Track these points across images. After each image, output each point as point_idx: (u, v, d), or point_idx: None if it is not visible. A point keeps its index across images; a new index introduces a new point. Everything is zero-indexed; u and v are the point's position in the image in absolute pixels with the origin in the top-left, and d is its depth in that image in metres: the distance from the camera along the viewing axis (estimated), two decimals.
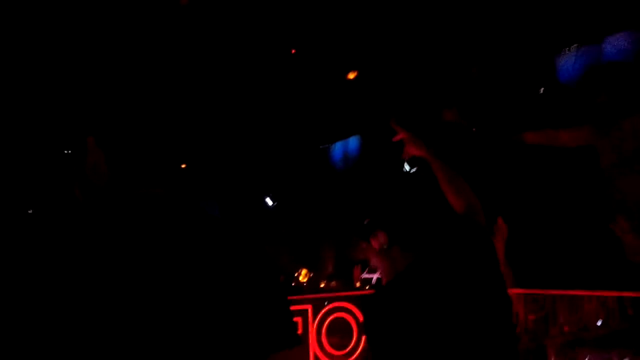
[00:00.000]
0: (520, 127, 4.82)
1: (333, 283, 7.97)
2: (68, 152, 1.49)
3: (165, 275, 1.39)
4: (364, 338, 5.61)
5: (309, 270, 8.20)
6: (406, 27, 6.10)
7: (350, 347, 5.76)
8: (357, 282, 7.02)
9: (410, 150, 2.56)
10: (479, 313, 2.16)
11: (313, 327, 5.86)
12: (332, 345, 5.83)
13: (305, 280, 8.11)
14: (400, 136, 2.58)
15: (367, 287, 6.76)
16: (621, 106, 4.32)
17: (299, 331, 5.83)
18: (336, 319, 5.86)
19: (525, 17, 5.84)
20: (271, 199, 8.71)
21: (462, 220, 2.32)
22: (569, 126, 4.55)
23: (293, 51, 6.71)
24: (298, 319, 5.83)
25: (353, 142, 8.28)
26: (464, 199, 2.41)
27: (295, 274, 8.14)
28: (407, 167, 2.81)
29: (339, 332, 5.82)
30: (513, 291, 4.21)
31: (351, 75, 7.02)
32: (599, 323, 4.20)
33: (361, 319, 5.57)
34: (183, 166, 8.48)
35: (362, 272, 7.01)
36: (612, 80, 4.42)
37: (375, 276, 6.80)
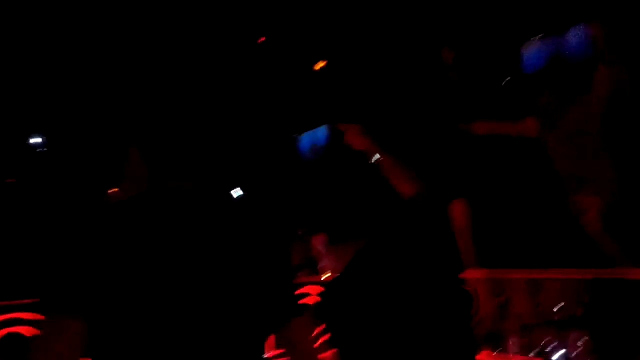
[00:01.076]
0: (481, 117, 4.90)
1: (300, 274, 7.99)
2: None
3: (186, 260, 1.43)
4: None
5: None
6: (375, 14, 6.14)
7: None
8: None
9: (351, 141, 2.58)
10: (430, 297, 2.20)
11: None
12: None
13: None
14: (342, 126, 2.60)
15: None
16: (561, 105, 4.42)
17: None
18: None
19: (493, 6, 5.91)
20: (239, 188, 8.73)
21: (411, 206, 2.36)
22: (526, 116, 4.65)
23: (262, 39, 6.72)
24: None
25: (321, 132, 8.30)
26: (413, 186, 2.44)
27: None
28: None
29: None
30: (474, 273, 4.29)
31: (319, 65, 7.05)
32: (555, 309, 4.31)
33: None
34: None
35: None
36: (554, 79, 4.51)
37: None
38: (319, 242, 2.44)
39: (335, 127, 2.60)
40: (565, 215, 4.57)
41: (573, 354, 4.22)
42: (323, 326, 5.48)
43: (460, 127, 4.82)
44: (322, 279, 6.29)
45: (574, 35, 5.60)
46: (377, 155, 2.49)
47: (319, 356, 5.47)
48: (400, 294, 2.19)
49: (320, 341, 5.53)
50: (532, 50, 6.11)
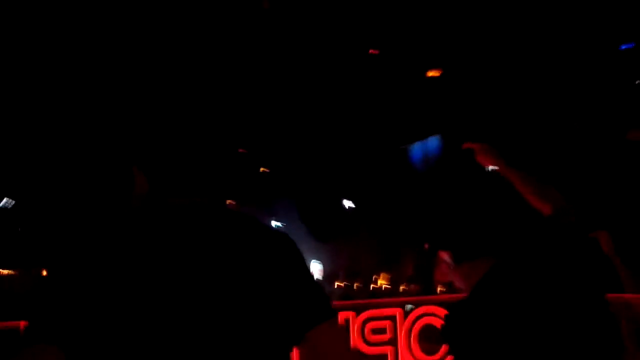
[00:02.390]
0: (622, 123, 4.61)
1: (412, 286, 7.83)
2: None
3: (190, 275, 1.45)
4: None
5: (389, 272, 8.10)
6: (489, 28, 5.94)
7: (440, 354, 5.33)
8: (438, 286, 6.82)
9: (482, 161, 2.46)
10: (571, 319, 2.05)
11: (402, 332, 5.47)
12: (423, 351, 5.38)
13: (384, 283, 8.01)
14: (470, 145, 2.50)
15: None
16: None
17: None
18: (426, 325, 5.43)
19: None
20: (349, 201, 8.70)
21: (549, 224, 2.22)
22: None
23: (375, 52, 6.65)
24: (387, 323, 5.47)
25: (433, 142, 8.18)
26: (549, 203, 2.30)
27: (374, 277, 8.05)
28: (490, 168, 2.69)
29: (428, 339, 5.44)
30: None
31: (433, 74, 6.89)
32: None
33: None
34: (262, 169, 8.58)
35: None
36: None
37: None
38: (446, 258, 2.31)
39: (457, 144, 2.48)
40: None
41: None
42: (446, 348, 5.27)
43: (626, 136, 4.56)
44: (437, 293, 5.99)
45: None
46: (506, 171, 2.36)
47: None
48: (535, 318, 2.04)
49: None
50: None
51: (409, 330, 5.37)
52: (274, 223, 8.07)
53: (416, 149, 9.27)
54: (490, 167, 2.58)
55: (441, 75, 6.83)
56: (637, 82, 5.69)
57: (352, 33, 6.35)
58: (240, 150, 7.23)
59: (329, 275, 8.27)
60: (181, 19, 5.86)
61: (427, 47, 6.55)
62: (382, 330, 5.30)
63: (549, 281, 2.12)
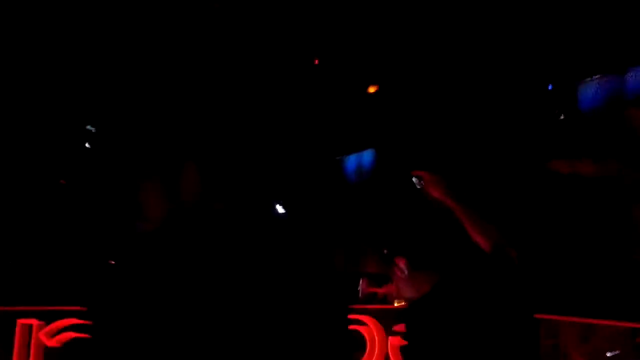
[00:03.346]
0: (540, 154, 4.84)
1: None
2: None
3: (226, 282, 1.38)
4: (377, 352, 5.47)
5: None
6: (427, 44, 6.10)
7: None
8: (361, 295, 6.94)
9: (431, 191, 2.57)
10: (501, 335, 2.25)
11: None
12: None
13: None
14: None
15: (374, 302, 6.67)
16: None
17: None
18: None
19: (549, 43, 5.83)
20: (282, 206, 8.74)
21: (490, 255, 2.39)
22: (588, 155, 4.57)
23: (316, 61, 6.73)
24: None
25: (367, 155, 8.32)
26: (489, 239, 2.46)
27: None
28: (417, 184, 2.81)
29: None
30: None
31: (372, 89, 7.03)
32: (609, 354, 4.16)
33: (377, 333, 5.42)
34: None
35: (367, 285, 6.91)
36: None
37: (380, 291, 6.73)
38: (402, 264, 2.44)
39: (413, 173, 2.60)
40: (620, 264, 4.46)
41: None
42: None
43: (546, 165, 4.80)
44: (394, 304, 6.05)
45: (636, 76, 5.48)
46: (453, 204, 2.51)
47: None
48: (473, 329, 2.24)
49: None
50: (589, 89, 6.00)
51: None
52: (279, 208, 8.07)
53: (350, 160, 9.47)
54: (418, 183, 2.71)
55: (378, 90, 7.00)
56: (557, 114, 5.95)
57: (299, 40, 6.43)
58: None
59: None
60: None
61: (367, 60, 6.69)
62: None
63: (483, 300, 2.34)
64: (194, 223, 1.44)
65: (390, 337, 5.46)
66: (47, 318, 5.24)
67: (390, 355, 5.42)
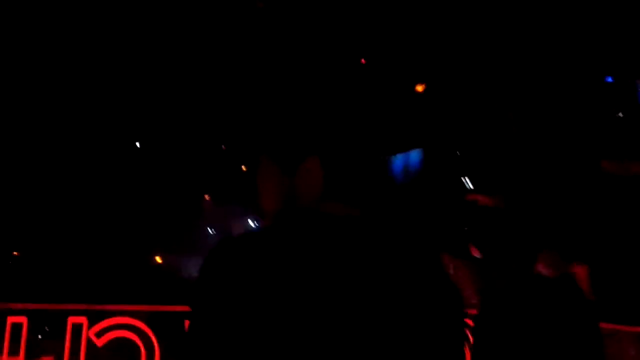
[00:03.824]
0: (598, 152, 4.72)
1: None
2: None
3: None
4: None
5: None
6: (476, 41, 6.01)
7: None
8: None
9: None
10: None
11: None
12: None
13: None
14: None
15: None
16: None
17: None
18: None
19: (609, 40, 5.68)
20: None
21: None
22: None
23: (363, 61, 6.69)
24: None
25: (415, 155, 8.26)
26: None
27: None
28: (469, 184, 2.77)
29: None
30: None
31: (419, 88, 6.96)
32: None
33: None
34: None
35: None
36: None
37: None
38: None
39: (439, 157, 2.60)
40: None
41: None
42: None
43: (597, 165, 4.71)
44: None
45: None
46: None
47: None
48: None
49: None
50: None
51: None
52: (250, 221, 8.11)
53: (398, 160, 9.39)
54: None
55: (425, 89, 6.92)
56: (616, 111, 5.80)
57: (342, 40, 6.42)
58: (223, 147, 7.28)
59: None
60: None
61: (415, 59, 6.62)
62: None
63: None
64: (312, 225, 1.38)
65: None
66: (97, 317, 5.28)
67: None
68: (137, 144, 7.84)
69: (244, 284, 1.27)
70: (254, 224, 7.67)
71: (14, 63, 6.24)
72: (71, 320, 5.16)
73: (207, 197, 8.76)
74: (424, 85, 6.90)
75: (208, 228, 8.65)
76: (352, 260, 1.33)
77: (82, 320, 5.18)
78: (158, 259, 8.39)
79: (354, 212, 1.40)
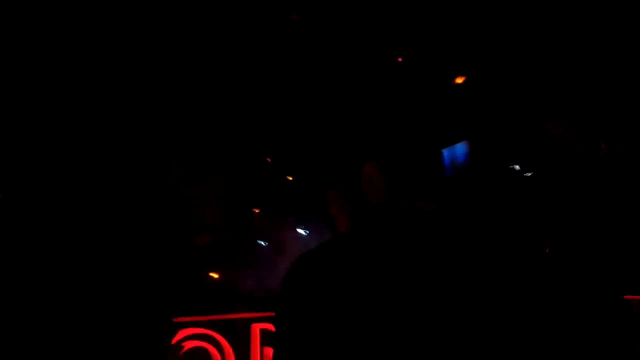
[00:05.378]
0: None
1: None
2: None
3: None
4: None
5: None
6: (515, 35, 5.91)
7: None
8: None
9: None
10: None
11: None
12: None
13: None
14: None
15: None
16: None
17: None
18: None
19: None
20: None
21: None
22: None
23: (400, 59, 6.65)
24: None
25: (461, 147, 8.18)
26: None
27: None
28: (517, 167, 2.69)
29: None
30: None
31: (459, 80, 6.88)
32: None
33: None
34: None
35: None
36: None
37: None
38: None
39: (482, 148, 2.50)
40: None
41: None
42: None
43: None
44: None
45: None
46: None
47: None
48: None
49: None
50: None
51: None
52: (300, 230, 8.08)
53: (445, 154, 9.26)
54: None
55: (465, 82, 6.82)
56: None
57: (374, 39, 6.40)
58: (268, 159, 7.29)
59: None
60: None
61: (448, 53, 6.54)
62: None
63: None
64: (387, 226, 1.34)
65: None
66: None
67: None
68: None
69: (336, 292, 1.21)
70: (305, 233, 7.66)
71: (13, 64, 6.34)
72: (256, 326, 5.23)
73: (256, 210, 8.79)
74: (463, 78, 6.79)
75: (259, 241, 8.67)
76: (455, 258, 1.26)
77: (269, 326, 5.26)
78: (214, 275, 8.47)
79: (435, 208, 1.32)
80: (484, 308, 1.23)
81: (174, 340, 5.12)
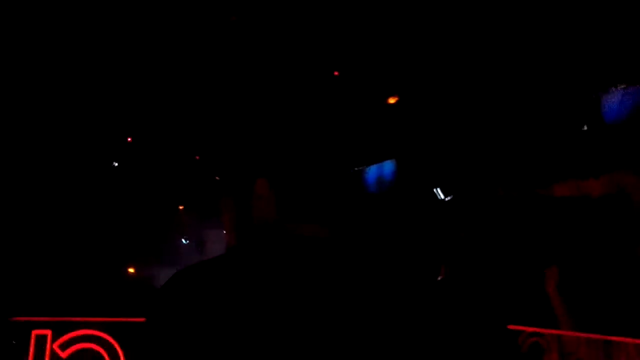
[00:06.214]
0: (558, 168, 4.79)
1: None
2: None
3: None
4: None
5: None
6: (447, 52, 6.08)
7: None
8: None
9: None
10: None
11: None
12: None
13: None
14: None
15: None
16: None
17: None
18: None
19: (574, 53, 5.77)
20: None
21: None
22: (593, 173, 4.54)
23: (336, 73, 6.75)
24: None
25: (388, 166, 8.31)
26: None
27: None
28: (441, 195, 2.81)
29: None
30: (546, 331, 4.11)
31: (392, 100, 7.02)
32: None
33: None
34: None
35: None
36: None
37: None
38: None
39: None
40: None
41: None
42: None
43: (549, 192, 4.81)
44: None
45: None
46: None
47: None
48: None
49: None
50: (614, 99, 5.92)
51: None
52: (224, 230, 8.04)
53: (372, 171, 9.44)
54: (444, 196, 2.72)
55: (398, 101, 6.99)
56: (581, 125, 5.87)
57: (318, 53, 6.46)
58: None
59: None
60: None
61: (385, 71, 6.68)
62: None
63: None
64: (274, 247, 1.33)
65: None
66: (61, 329, 5.20)
67: None
68: (115, 164, 7.81)
69: (202, 312, 1.24)
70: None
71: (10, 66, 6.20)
72: (35, 332, 5.10)
73: (181, 207, 8.73)
74: (396, 97, 6.96)
75: (182, 239, 8.61)
76: (315, 285, 1.27)
77: (47, 332, 5.12)
78: (131, 270, 8.37)
79: (321, 232, 1.34)
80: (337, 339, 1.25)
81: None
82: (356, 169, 8.92)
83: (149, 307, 1.27)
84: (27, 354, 4.99)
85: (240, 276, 1.28)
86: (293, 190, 1.35)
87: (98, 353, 5.08)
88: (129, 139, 7.76)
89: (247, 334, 1.23)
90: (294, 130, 1.39)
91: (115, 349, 5.09)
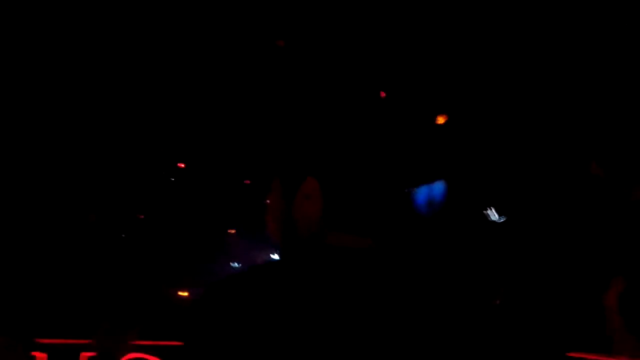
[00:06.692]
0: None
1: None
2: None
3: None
4: None
5: None
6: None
7: None
8: None
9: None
10: None
11: None
12: None
13: None
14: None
15: None
16: None
17: None
18: None
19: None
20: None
21: None
22: None
23: (382, 94, 6.75)
24: None
25: (438, 186, 8.23)
26: None
27: None
28: (495, 216, 2.74)
29: None
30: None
31: (441, 120, 6.97)
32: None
33: None
34: None
35: None
36: None
37: None
38: None
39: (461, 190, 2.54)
40: None
41: None
42: None
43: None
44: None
45: None
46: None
47: None
48: None
49: None
50: None
51: None
52: (273, 255, 8.06)
53: (421, 192, 9.35)
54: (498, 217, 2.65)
55: (447, 121, 6.92)
56: None
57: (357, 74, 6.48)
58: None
59: None
60: None
61: (432, 93, 6.63)
62: None
63: None
64: (311, 260, 1.26)
65: None
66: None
67: None
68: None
69: (236, 325, 1.20)
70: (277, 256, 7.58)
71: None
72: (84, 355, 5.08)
73: (232, 231, 8.76)
74: (445, 117, 6.89)
75: (232, 262, 8.63)
76: (355, 299, 1.21)
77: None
78: (184, 293, 8.42)
79: (363, 244, 1.29)
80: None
81: None
82: (408, 190, 8.85)
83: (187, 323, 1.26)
84: None
85: (286, 292, 1.23)
86: (341, 197, 1.29)
87: None
88: (182, 165, 7.84)
89: (290, 350, 1.19)
90: (356, 140, 1.35)
91: None
